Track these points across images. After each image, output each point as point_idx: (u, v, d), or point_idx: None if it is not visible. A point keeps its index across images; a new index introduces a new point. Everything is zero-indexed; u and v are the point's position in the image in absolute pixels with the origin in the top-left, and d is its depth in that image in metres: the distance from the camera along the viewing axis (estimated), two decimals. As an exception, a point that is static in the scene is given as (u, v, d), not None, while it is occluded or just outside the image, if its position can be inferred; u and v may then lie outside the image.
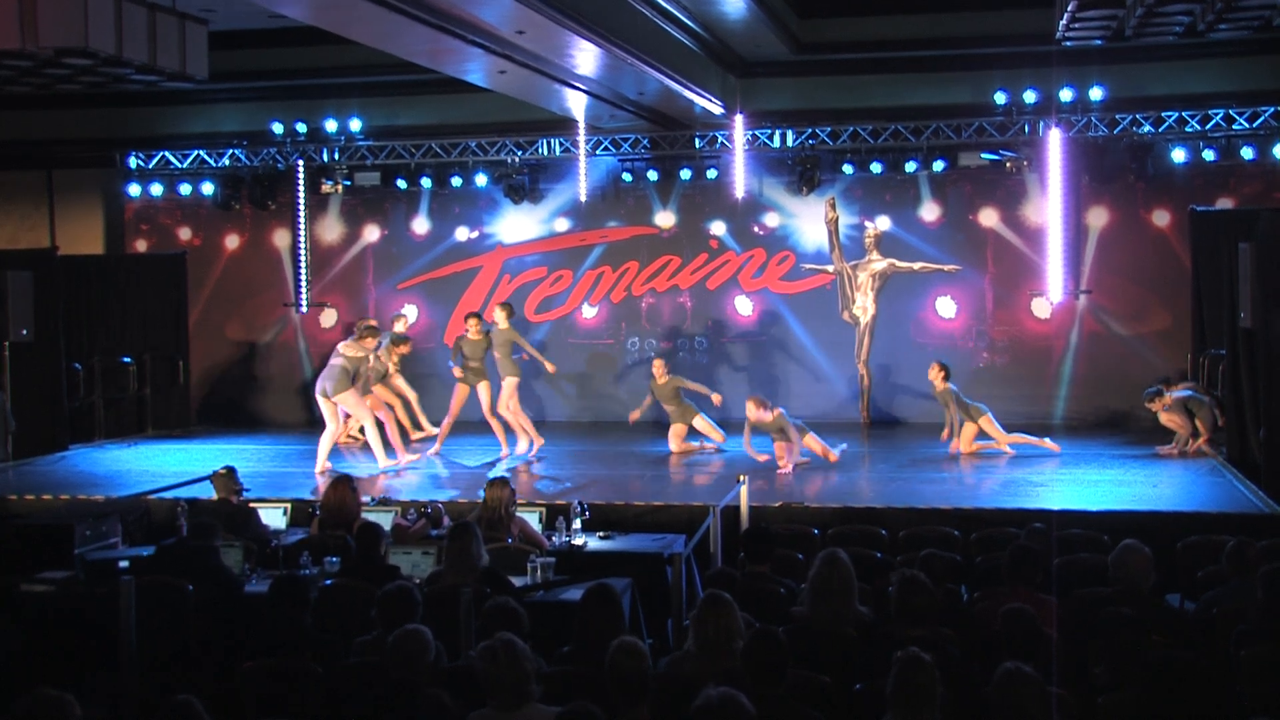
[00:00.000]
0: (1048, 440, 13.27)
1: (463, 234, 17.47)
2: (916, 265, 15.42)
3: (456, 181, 17.05)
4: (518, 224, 17.33)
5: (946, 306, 16.34)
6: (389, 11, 10.05)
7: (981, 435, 13.23)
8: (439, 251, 17.52)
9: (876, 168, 16.15)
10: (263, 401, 17.83)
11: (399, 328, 14.81)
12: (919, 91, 16.21)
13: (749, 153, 16.43)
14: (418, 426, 14.29)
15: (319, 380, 12.71)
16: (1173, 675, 4.82)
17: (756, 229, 16.81)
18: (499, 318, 13.50)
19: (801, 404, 16.60)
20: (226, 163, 17.57)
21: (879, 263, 15.27)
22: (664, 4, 12.74)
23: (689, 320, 17.07)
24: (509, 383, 13.39)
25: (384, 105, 17.29)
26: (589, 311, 17.25)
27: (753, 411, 12.78)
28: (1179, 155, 15.38)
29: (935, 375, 13.35)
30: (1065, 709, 4.91)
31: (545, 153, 17.01)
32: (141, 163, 17.90)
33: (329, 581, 7.51)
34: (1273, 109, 15.11)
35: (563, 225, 17.29)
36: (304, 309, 17.60)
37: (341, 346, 12.69)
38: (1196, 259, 14.18)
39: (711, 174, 16.76)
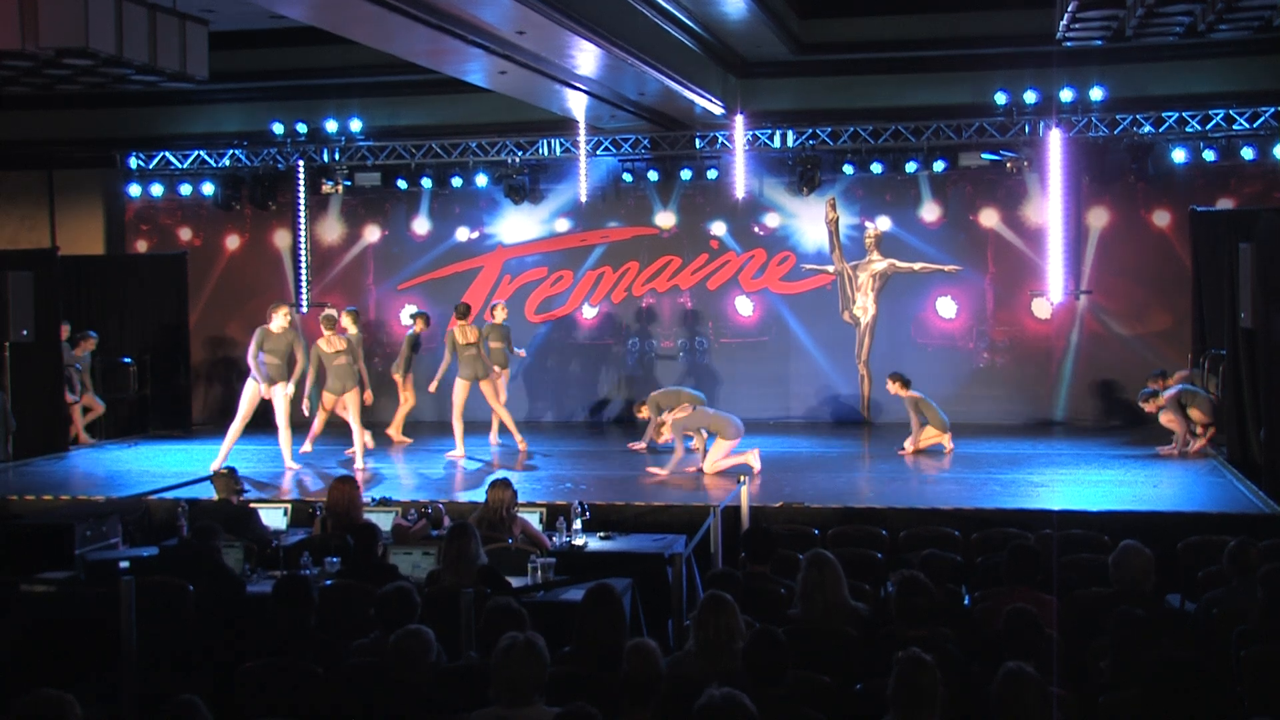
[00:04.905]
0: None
1: (463, 234, 17.47)
2: (917, 265, 15.42)
3: (457, 182, 17.05)
4: (518, 224, 17.33)
5: (947, 307, 16.34)
6: (389, 12, 10.04)
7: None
8: (439, 252, 17.52)
9: (877, 168, 16.14)
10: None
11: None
12: (919, 91, 16.21)
13: (749, 153, 16.42)
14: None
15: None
16: (1174, 675, 4.82)
17: (757, 229, 16.80)
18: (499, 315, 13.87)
19: (802, 404, 16.66)
20: (227, 163, 17.57)
21: (879, 263, 15.27)
22: (664, 4, 12.73)
23: (690, 321, 17.06)
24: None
25: (384, 105, 17.28)
26: (589, 312, 17.24)
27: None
28: (1179, 155, 15.37)
29: (895, 388, 13.43)
30: (1066, 709, 4.92)
31: (545, 153, 17.00)
32: (142, 163, 17.90)
33: (329, 582, 7.51)
34: (1273, 109, 15.11)
35: (563, 225, 17.28)
36: (304, 309, 17.57)
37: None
38: (1197, 259, 14.17)
39: (712, 174, 16.75)
